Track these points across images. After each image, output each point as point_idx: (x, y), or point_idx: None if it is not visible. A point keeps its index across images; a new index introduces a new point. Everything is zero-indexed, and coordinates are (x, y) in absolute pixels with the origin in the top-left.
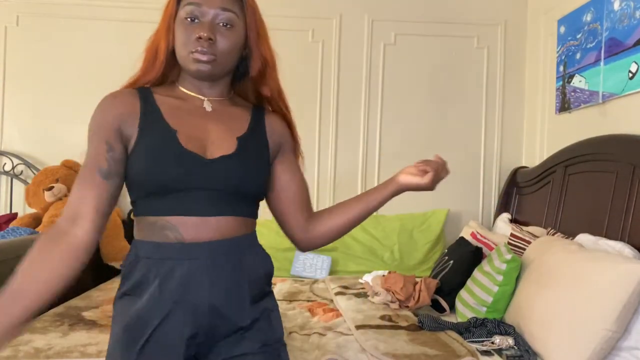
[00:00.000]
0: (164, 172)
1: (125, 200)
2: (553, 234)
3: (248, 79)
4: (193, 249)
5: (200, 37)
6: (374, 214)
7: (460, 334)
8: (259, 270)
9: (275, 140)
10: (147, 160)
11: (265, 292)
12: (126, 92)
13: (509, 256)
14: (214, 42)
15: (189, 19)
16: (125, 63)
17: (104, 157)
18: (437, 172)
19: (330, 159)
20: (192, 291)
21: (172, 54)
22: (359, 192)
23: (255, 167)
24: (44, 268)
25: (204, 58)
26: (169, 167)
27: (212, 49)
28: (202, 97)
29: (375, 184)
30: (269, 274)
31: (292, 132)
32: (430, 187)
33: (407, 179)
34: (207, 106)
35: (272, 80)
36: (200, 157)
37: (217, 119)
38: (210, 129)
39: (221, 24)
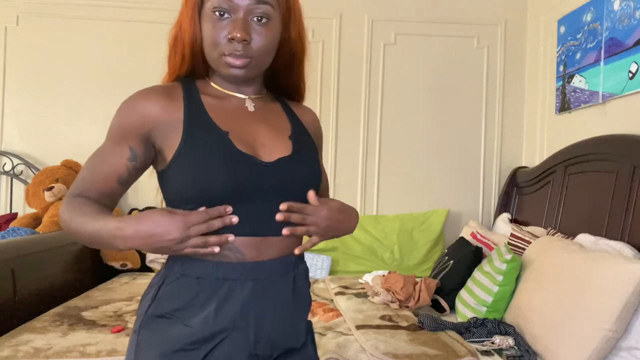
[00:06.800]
0: (217, 182)
1: (126, 201)
2: (553, 234)
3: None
4: (255, 269)
5: (232, 39)
6: (375, 214)
7: (461, 334)
8: (307, 286)
9: (313, 133)
10: (197, 169)
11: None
12: (165, 88)
13: (509, 256)
14: (248, 43)
15: (217, 13)
16: (125, 63)
17: (125, 166)
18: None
19: (330, 159)
20: (253, 313)
21: (200, 48)
22: (358, 192)
23: (314, 167)
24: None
25: (238, 63)
26: (223, 176)
27: (247, 51)
28: (243, 96)
29: (375, 184)
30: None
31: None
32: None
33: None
34: (250, 106)
35: (298, 73)
36: (258, 160)
37: (261, 119)
38: (258, 131)
39: (256, 19)
